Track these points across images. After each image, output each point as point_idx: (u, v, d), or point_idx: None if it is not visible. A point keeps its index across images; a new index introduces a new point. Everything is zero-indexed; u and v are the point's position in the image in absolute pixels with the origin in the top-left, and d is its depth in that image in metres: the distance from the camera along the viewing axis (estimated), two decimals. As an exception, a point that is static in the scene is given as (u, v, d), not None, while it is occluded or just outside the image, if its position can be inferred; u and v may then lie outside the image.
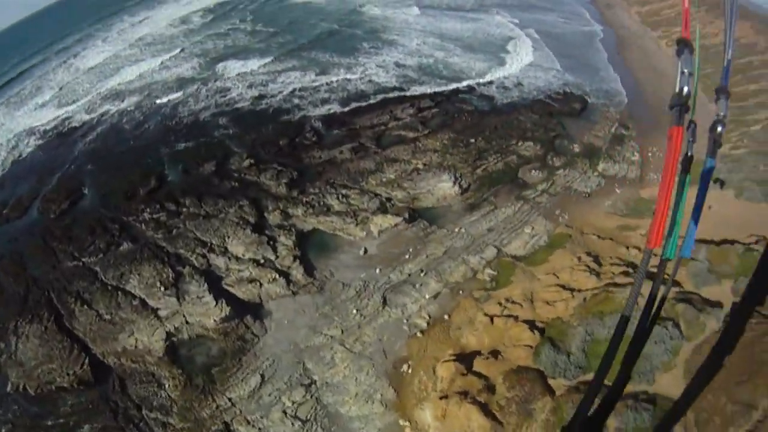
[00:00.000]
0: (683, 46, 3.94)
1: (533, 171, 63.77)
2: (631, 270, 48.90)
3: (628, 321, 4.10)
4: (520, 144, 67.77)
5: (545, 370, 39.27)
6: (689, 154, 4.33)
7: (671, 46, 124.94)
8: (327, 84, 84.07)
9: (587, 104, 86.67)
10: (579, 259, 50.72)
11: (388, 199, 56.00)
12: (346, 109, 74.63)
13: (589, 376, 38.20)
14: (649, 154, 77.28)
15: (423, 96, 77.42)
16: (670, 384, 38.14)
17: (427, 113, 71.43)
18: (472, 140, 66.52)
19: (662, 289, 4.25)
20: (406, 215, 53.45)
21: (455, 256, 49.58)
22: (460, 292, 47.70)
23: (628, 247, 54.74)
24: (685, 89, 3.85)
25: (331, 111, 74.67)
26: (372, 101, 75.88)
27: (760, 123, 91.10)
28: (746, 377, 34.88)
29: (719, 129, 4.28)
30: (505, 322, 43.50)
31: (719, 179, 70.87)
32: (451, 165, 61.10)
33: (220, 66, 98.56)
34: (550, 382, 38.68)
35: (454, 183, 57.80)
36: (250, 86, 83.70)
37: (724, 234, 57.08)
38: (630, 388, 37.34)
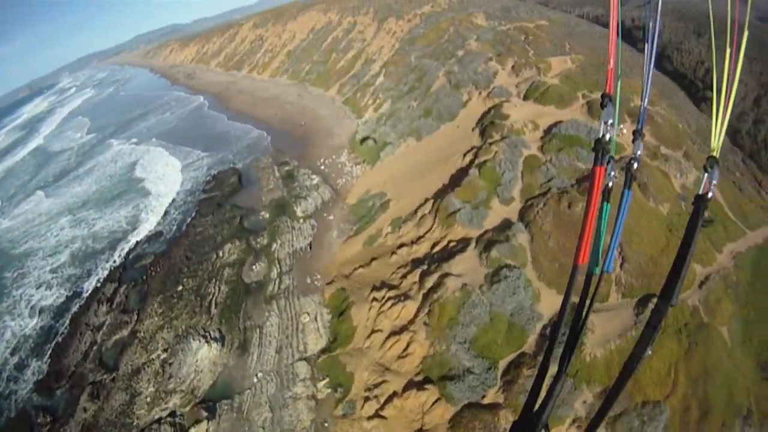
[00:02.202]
0: (607, 99, 4.24)
1: (254, 267, 57.91)
2: (424, 267, 47.74)
3: (558, 331, 3.97)
4: (220, 254, 61.60)
5: (470, 399, 37.30)
6: (609, 185, 4.18)
7: (262, 72, 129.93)
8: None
9: (240, 171, 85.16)
10: (374, 300, 47.06)
11: (173, 414, 45.02)
12: (45, 357, 59.45)
13: (503, 364, 38.86)
14: (322, 167, 79.06)
15: (102, 285, 64.66)
16: (549, 303, 41.66)
17: (120, 298, 59.90)
18: (180, 287, 58.26)
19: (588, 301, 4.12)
20: (204, 413, 43.54)
21: (281, 403, 42.58)
22: (326, 424, 40.86)
23: (393, 252, 52.98)
24: (607, 136, 4.14)
25: (34, 374, 59.02)
26: (62, 329, 61.54)
27: (378, 75, 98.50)
28: (576, 237, 39.00)
29: (635, 165, 4.43)
30: (393, 406, 38.82)
31: (368, 137, 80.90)
32: (187, 327, 52.30)
33: None
34: (485, 402, 37.20)
35: (208, 343, 49.14)
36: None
37: (449, 172, 62.28)
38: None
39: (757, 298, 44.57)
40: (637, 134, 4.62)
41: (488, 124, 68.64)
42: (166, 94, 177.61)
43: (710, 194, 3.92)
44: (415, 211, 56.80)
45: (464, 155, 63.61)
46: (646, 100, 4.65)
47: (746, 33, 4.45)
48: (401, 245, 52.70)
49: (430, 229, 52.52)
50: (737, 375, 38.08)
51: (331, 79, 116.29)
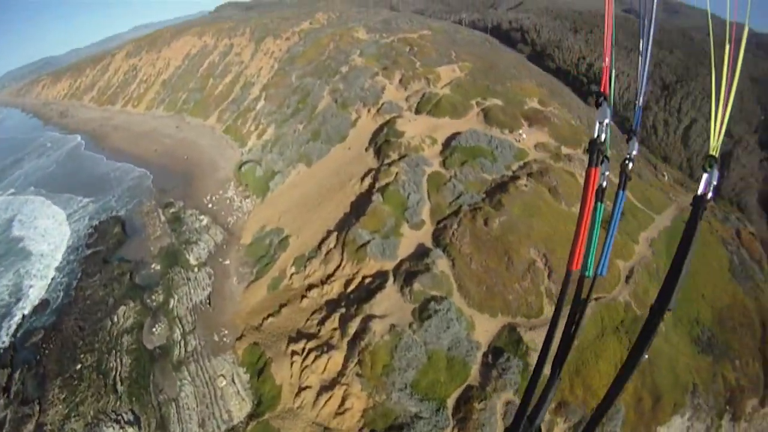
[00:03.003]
0: (602, 99, 4.25)
1: (154, 330, 50.95)
2: (342, 310, 43.53)
3: (553, 336, 4.24)
4: (115, 319, 53.59)
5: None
6: (604, 185, 4.19)
7: (138, 105, 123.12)
8: None
9: (123, 218, 75.97)
10: (294, 353, 42.29)
11: None
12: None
13: (452, 402, 36.63)
14: (210, 205, 72.70)
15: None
16: (485, 329, 40.21)
17: (17, 386, 50.49)
18: (78, 365, 49.68)
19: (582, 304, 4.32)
20: None
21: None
22: None
23: (303, 296, 47.94)
24: (602, 136, 4.14)
25: None
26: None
27: (258, 99, 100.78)
28: (498, 256, 43.55)
29: (630, 165, 4.39)
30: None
31: (255, 167, 75.62)
32: (96, 413, 44.32)
33: None
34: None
35: (123, 428, 42.71)
36: None
37: (348, 198, 58.63)
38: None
39: (677, 279, 49.23)
40: (631, 134, 4.44)
41: (383, 143, 66.50)
42: (40, 135, 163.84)
43: (710, 195, 3.84)
44: (319, 247, 52.91)
45: (362, 179, 60.86)
46: (642, 99, 4.45)
47: (746, 29, 4.19)
48: (310, 286, 48.62)
49: (340, 265, 48.90)
50: (677, 356, 41.25)
51: (210, 107, 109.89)
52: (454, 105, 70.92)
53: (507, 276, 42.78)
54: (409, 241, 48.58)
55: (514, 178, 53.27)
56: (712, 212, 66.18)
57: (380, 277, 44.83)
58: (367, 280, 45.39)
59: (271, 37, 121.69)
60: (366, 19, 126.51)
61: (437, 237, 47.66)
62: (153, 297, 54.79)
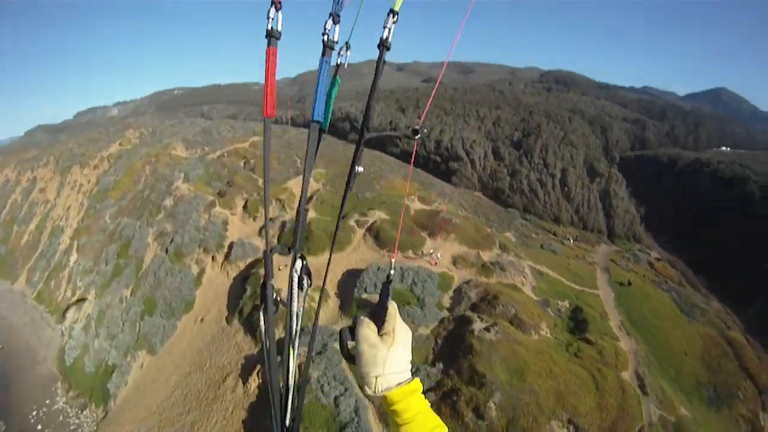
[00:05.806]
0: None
1: None
2: None
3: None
4: None
5: None
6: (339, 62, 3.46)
7: None
8: None
9: None
10: None
11: None
12: None
13: None
14: (39, 426, 47.06)
15: None
16: None
17: None
18: None
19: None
20: None
21: None
22: None
23: None
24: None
25: None
26: None
27: (70, 251, 72.34)
28: None
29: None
30: None
31: (73, 348, 54.82)
32: None
33: None
34: None
35: None
36: None
37: (235, 414, 36.46)
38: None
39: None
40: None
41: (254, 310, 44.67)
42: None
43: (389, 39, 3.42)
44: None
45: (244, 376, 38.38)
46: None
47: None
48: None
49: None
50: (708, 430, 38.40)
51: (17, 264, 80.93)
52: (329, 232, 51.76)
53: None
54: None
55: (464, 322, 36.40)
56: (623, 257, 65.81)
57: None
58: None
59: (78, 166, 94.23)
60: (183, 132, 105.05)
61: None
62: None
